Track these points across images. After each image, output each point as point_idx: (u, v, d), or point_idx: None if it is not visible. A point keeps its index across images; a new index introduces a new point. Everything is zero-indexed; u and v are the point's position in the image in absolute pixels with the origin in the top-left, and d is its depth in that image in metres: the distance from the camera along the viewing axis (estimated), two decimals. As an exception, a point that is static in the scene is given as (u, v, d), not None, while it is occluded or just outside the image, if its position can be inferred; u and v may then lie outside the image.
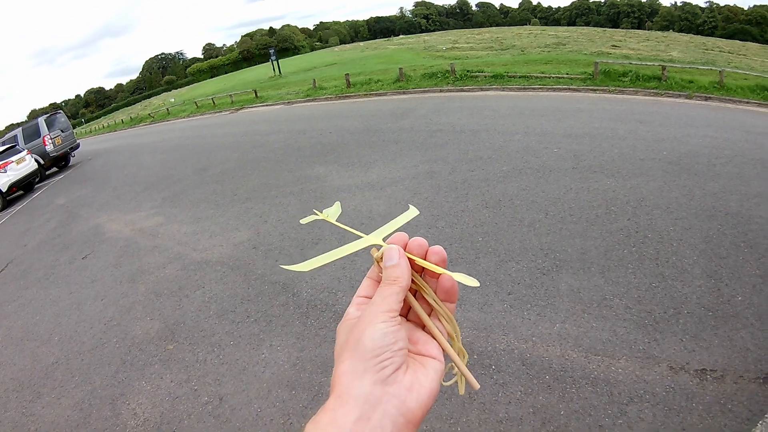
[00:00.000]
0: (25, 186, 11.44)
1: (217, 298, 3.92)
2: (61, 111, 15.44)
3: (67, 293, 4.76)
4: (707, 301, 2.89)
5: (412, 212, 0.52)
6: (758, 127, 7.46)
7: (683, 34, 47.56)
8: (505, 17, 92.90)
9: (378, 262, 0.43)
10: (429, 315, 0.42)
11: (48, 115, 14.12)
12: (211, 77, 75.16)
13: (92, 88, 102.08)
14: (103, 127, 38.94)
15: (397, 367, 0.36)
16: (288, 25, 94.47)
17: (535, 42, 28.51)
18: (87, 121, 66.16)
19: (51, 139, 13.19)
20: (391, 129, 8.93)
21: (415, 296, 0.43)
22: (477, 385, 0.39)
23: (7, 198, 10.71)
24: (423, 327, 0.42)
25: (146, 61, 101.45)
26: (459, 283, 0.42)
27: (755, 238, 3.55)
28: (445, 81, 13.93)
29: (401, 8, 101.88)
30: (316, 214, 0.55)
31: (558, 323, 2.85)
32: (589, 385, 2.36)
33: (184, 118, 23.56)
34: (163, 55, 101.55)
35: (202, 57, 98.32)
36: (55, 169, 14.37)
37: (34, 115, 68.15)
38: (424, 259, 0.42)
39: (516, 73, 13.55)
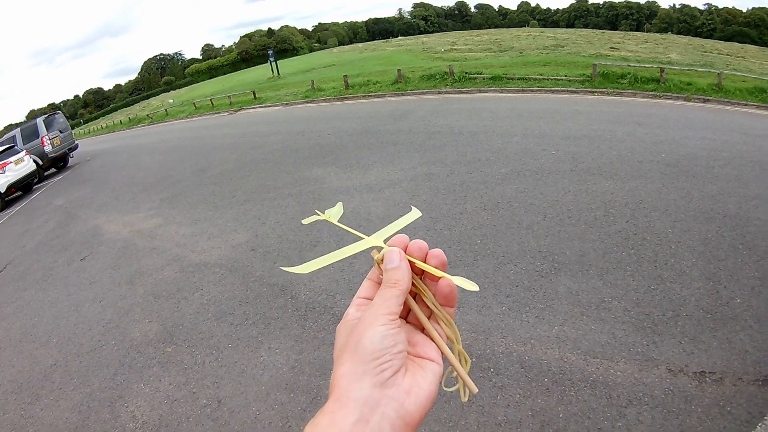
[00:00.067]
0: (23, 187, 11.42)
1: (215, 301, 3.91)
2: (59, 111, 15.42)
3: (65, 295, 4.75)
4: (706, 304, 2.89)
5: (415, 214, 0.52)
6: (756, 129, 7.48)
7: (682, 36, 47.74)
8: (503, 19, 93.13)
9: (378, 264, 0.42)
10: (428, 318, 0.42)
11: (47, 115, 14.09)
12: (210, 78, 75.12)
13: (91, 89, 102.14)
14: (102, 127, 38.91)
15: (396, 370, 0.36)
16: (287, 26, 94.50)
17: (534, 44, 28.56)
18: (85, 122, 66.09)
19: (49, 139, 13.16)
20: (389, 131, 8.94)
21: (414, 299, 0.43)
22: (475, 389, 0.39)
23: (6, 199, 10.68)
24: (422, 329, 0.42)
25: (145, 62, 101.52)
26: (458, 286, 0.42)
27: (754, 240, 3.56)
28: (444, 83, 13.96)
29: (400, 9, 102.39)
30: (318, 215, 0.54)
31: (556, 326, 2.85)
32: (587, 388, 2.36)
33: (182, 119, 23.55)
34: (161, 56, 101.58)
35: (200, 58, 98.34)
36: (53, 169, 14.34)
37: (32, 115, 68.01)
38: (424, 262, 0.42)
39: (514, 74, 13.58)
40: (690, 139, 6.46)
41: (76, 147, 15.22)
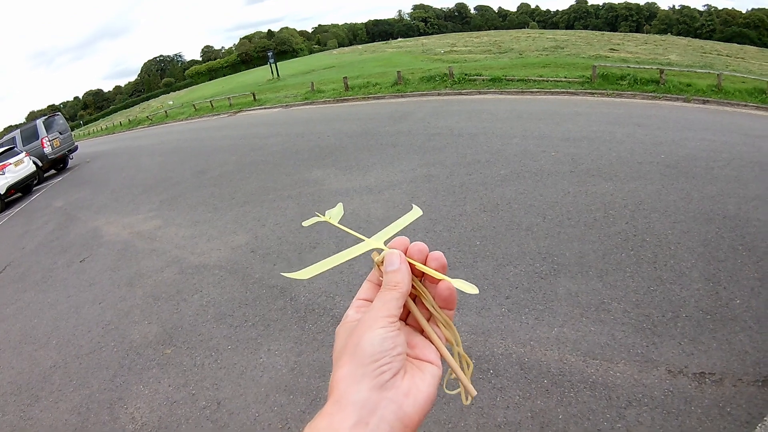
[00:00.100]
0: (23, 188, 11.41)
1: (214, 302, 3.91)
2: (59, 113, 15.44)
3: (65, 296, 4.75)
4: (705, 305, 2.89)
5: (416, 212, 0.52)
6: (756, 130, 7.50)
7: (681, 37, 47.80)
8: (503, 20, 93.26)
9: (379, 267, 0.42)
10: (428, 320, 0.42)
11: (46, 117, 14.10)
12: (210, 80, 75.10)
13: (90, 90, 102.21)
14: (102, 129, 38.89)
15: (395, 372, 0.36)
16: (286, 27, 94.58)
17: (534, 45, 28.61)
18: (85, 123, 66.01)
19: (49, 141, 13.17)
20: (389, 132, 8.95)
21: (414, 301, 0.43)
22: (474, 392, 0.39)
23: (5, 200, 10.68)
24: (422, 332, 0.42)
25: (145, 63, 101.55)
26: (457, 289, 0.42)
27: (753, 241, 3.56)
28: (443, 84, 13.98)
29: (399, 11, 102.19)
30: (318, 216, 0.54)
31: (556, 327, 2.85)
32: (587, 389, 2.36)
33: (182, 120, 23.54)
34: (161, 57, 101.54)
35: (200, 59, 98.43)
36: (53, 171, 14.34)
37: (32, 116, 68.08)
38: (425, 265, 0.42)
39: (514, 76, 13.60)
40: (689, 140, 6.47)
41: (76, 148, 15.22)
